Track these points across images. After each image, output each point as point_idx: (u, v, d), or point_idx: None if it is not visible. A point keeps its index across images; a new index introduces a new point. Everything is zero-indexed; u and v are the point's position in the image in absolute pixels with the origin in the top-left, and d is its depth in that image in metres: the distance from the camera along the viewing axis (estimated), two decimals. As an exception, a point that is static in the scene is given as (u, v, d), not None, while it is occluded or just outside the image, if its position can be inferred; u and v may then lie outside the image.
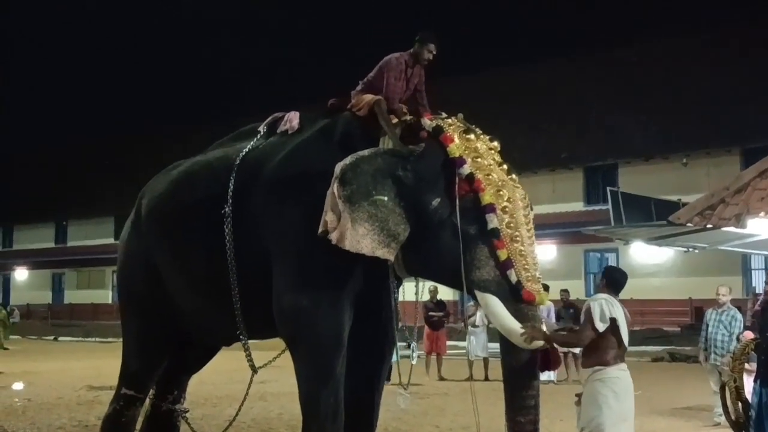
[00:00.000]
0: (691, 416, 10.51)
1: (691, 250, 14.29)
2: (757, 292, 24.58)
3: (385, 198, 5.21)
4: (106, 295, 42.32)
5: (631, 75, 30.85)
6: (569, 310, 14.47)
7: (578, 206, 29.18)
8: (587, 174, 30.27)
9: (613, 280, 6.02)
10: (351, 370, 5.69)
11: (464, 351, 16.14)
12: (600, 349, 5.56)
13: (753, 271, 26.37)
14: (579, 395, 5.70)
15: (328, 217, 5.16)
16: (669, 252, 25.97)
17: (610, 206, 20.33)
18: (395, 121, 5.66)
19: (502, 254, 5.05)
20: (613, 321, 5.60)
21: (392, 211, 5.23)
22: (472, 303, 16.16)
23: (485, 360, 15.22)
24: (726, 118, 26.98)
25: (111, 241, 41.06)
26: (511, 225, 5.11)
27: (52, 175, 47.77)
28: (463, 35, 50.81)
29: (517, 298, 5.06)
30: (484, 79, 32.85)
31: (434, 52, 6.02)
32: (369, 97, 5.82)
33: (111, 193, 41.54)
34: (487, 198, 5.12)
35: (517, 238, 5.10)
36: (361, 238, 5.15)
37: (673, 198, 20.33)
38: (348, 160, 5.24)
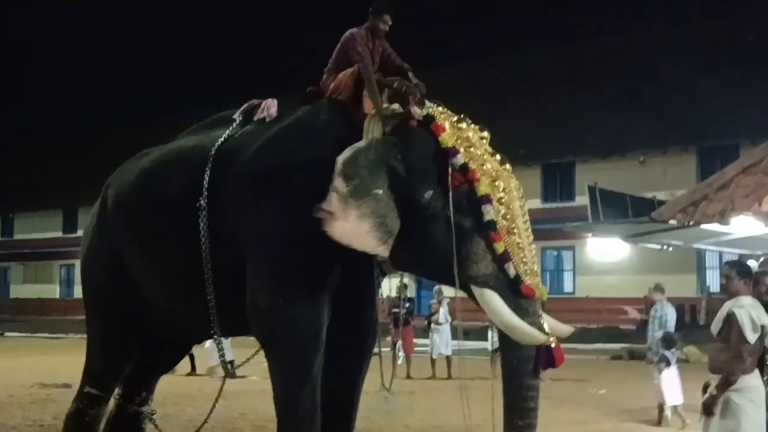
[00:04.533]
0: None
1: (665, 247, 14.32)
2: (711, 291, 24.89)
3: (381, 191, 4.96)
4: (54, 290, 41.57)
5: (590, 71, 31.03)
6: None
7: (536, 203, 29.22)
8: (545, 171, 30.38)
9: (747, 274, 5.61)
10: (330, 369, 5.42)
11: (427, 349, 15.93)
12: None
13: (707, 270, 26.63)
14: (705, 404, 5.46)
15: (333, 207, 4.88)
16: (625, 250, 26.18)
17: (587, 201, 20.29)
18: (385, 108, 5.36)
19: (499, 247, 4.80)
20: (763, 328, 5.32)
21: (387, 204, 4.98)
22: (435, 300, 16.08)
23: (448, 358, 15.07)
24: (683, 116, 27.28)
25: (59, 234, 40.39)
26: (508, 217, 4.87)
27: (0, 166, 46.71)
28: (420, 28, 50.66)
29: (516, 293, 4.81)
30: (441, 73, 32.77)
31: (390, 23, 5.80)
32: (348, 71, 5.55)
33: (60, 186, 40.77)
34: (482, 189, 4.87)
35: (515, 230, 4.86)
36: (365, 235, 4.90)
37: (647, 195, 20.38)
38: (347, 153, 4.95)
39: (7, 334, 32.15)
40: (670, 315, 10.28)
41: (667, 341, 9.99)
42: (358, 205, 4.88)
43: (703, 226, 9.46)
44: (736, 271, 5.63)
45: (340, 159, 4.93)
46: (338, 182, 4.89)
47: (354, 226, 4.88)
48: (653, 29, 32.00)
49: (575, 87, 30.68)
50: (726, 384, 5.36)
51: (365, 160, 4.95)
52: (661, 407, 10.01)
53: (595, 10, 42.13)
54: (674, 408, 9.88)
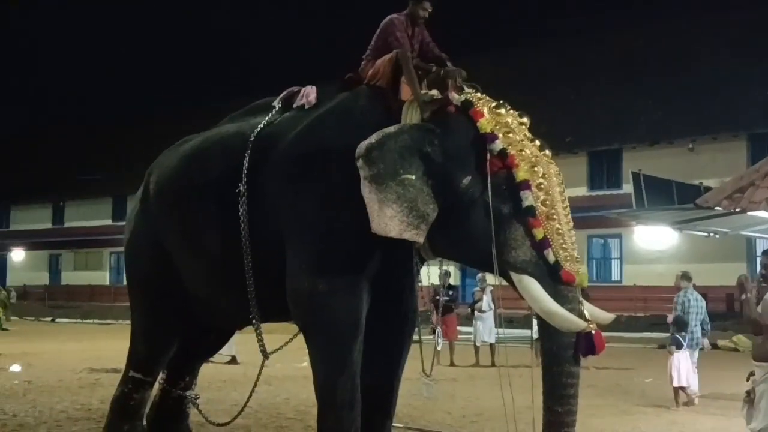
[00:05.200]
0: (707, 404, 10.31)
1: (712, 235, 14.07)
2: (761, 277, 24.41)
3: (413, 177, 4.92)
4: (103, 277, 42.21)
5: (636, 58, 30.60)
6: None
7: (582, 191, 28.92)
8: (591, 159, 30.05)
9: None
10: (370, 356, 5.44)
11: (470, 336, 15.89)
12: None
13: (758, 258, 26.09)
14: (748, 392, 5.39)
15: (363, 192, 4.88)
16: (673, 238, 25.82)
17: (632, 189, 19.99)
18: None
19: (539, 233, 4.76)
20: None
21: (420, 190, 4.94)
22: (478, 288, 16.03)
23: (492, 346, 15.02)
24: (733, 103, 26.77)
25: (108, 222, 40.96)
26: (547, 202, 4.82)
27: (50, 155, 47.54)
28: (463, 16, 50.36)
29: (555, 279, 4.76)
30: (486, 61, 32.52)
31: (429, 10, 5.76)
32: (386, 57, 5.53)
33: (109, 174, 41.34)
34: (521, 174, 4.83)
35: (554, 216, 4.81)
36: (389, 220, 4.87)
37: (695, 182, 20.02)
38: (373, 138, 4.94)
39: (58, 320, 32.79)
40: (693, 302, 10.57)
41: (678, 324, 10.36)
42: (379, 190, 4.87)
43: (750, 213, 9.26)
44: None
45: (363, 144, 4.92)
46: (360, 167, 4.89)
47: (376, 211, 4.87)
48: (702, 15, 31.39)
49: (622, 74, 30.28)
50: None
51: (394, 145, 4.93)
52: (676, 390, 10.27)
53: (642, -1, 41.55)
54: (680, 389, 10.20)
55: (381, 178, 4.89)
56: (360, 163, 4.90)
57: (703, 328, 10.68)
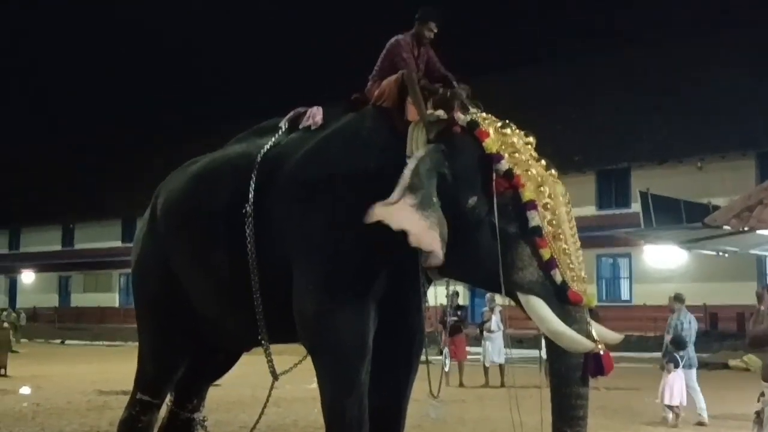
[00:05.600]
0: (718, 425, 10.24)
1: (721, 254, 14.01)
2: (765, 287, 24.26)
3: (435, 199, 4.92)
4: (113, 299, 42.27)
5: (644, 76, 30.63)
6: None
7: (591, 210, 28.89)
8: (599, 178, 30.04)
9: None
10: (378, 377, 5.41)
11: (480, 357, 15.83)
12: None
13: (768, 276, 26.03)
14: (758, 413, 5.37)
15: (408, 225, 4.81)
16: (683, 257, 25.72)
17: (639, 208, 19.98)
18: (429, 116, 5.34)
19: (545, 253, 4.74)
20: None
21: (440, 212, 4.93)
22: (486, 308, 15.99)
23: (501, 366, 14.96)
24: (742, 121, 26.75)
25: (118, 244, 41.06)
26: (554, 222, 4.81)
27: (60, 177, 47.73)
28: (469, 38, 50.54)
29: (563, 300, 4.74)
30: (494, 81, 32.61)
31: (435, 31, 5.77)
32: (392, 78, 5.52)
33: (118, 196, 41.50)
34: (527, 194, 4.82)
35: (560, 236, 4.79)
36: (437, 243, 4.84)
37: (704, 201, 19.98)
38: (411, 164, 4.92)
39: (67, 342, 32.81)
40: (686, 324, 10.90)
41: (678, 343, 10.62)
42: (426, 216, 4.83)
43: (759, 232, 9.21)
44: None
45: (406, 171, 4.87)
46: (405, 196, 4.82)
47: (430, 236, 4.81)
48: (711, 34, 31.44)
49: (630, 93, 30.30)
50: None
51: (424, 170, 4.91)
52: (667, 408, 10.51)
53: (648, 17, 41.63)
54: (669, 407, 10.44)
55: (424, 203, 4.84)
56: (407, 193, 4.83)
57: None
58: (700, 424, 10.38)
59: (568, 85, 32.35)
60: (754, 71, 27.21)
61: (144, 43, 64.07)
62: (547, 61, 36.02)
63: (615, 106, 30.27)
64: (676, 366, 10.40)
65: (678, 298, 11.16)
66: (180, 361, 6.35)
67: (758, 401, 5.48)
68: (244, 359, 6.85)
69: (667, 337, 10.93)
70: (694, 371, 10.79)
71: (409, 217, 4.80)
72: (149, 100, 58.26)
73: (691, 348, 10.75)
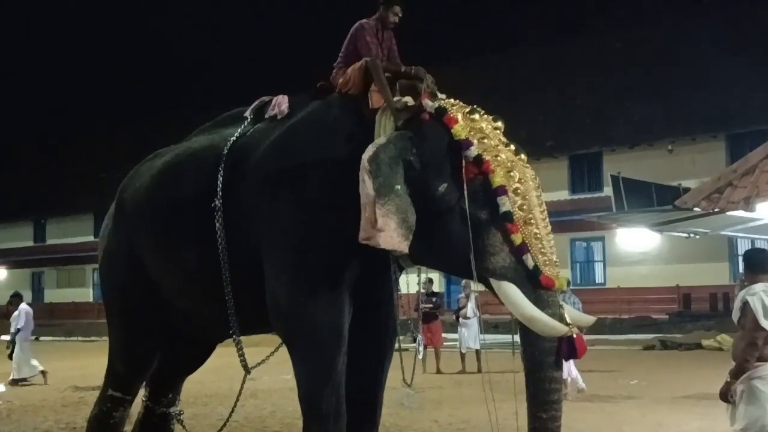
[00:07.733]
0: (692, 405, 10.32)
1: (692, 236, 14.12)
2: (743, 278, 24.56)
3: (399, 187, 4.86)
4: (87, 294, 41.96)
5: (615, 61, 30.75)
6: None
7: (564, 195, 29.08)
8: (572, 162, 30.19)
9: (758, 264, 5.56)
10: (352, 366, 5.39)
11: (456, 343, 15.88)
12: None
13: (740, 257, 26.24)
14: (721, 392, 5.39)
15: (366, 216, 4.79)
16: (655, 239, 25.95)
17: (611, 191, 20.07)
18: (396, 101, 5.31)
19: (517, 238, 4.73)
20: None
21: (406, 200, 4.89)
22: (462, 294, 16.00)
23: (477, 352, 15.00)
24: (711, 104, 26.93)
25: (91, 238, 40.64)
26: (524, 207, 4.79)
27: (30, 172, 47.21)
28: (443, 23, 50.53)
29: (535, 284, 4.74)
30: (464, 68, 32.61)
31: (400, 15, 5.72)
32: (357, 65, 5.47)
33: (90, 190, 41.11)
34: (497, 180, 4.79)
35: (531, 221, 4.78)
36: (393, 232, 4.79)
37: (674, 184, 20.12)
38: (369, 150, 4.86)
39: (41, 338, 32.48)
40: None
41: None
42: (382, 204, 4.78)
43: (729, 213, 9.28)
44: (747, 259, 5.62)
45: (365, 157, 4.82)
46: (365, 181, 4.78)
47: (381, 224, 4.76)
48: (677, 17, 31.61)
49: (600, 78, 30.43)
50: (740, 371, 5.30)
51: (386, 157, 4.86)
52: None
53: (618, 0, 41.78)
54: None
55: (382, 191, 4.78)
56: (365, 177, 4.80)
57: None
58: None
59: (539, 71, 32.41)
60: (723, 53, 27.38)
61: (114, 35, 63.58)
62: (517, 46, 36.01)
63: (586, 91, 30.39)
64: None
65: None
66: (151, 356, 6.28)
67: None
68: (221, 351, 6.81)
69: None
70: None
71: (367, 205, 4.77)
72: (119, 93, 57.84)
73: None
